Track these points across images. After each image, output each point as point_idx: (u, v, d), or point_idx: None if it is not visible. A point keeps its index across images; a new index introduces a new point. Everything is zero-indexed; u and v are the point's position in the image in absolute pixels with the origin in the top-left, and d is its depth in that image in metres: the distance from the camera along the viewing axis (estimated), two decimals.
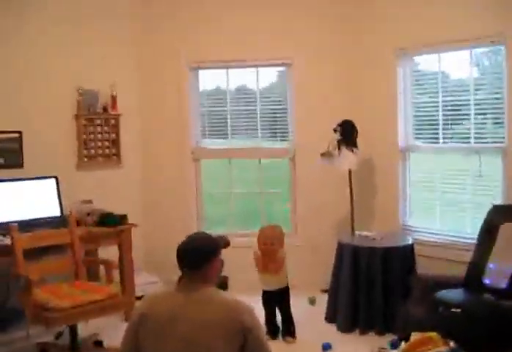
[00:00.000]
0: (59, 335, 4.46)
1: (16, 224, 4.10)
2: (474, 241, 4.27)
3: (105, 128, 5.46)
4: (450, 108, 5.00)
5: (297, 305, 4.95)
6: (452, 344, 2.86)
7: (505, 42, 4.44)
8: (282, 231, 4.63)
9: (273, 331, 4.51)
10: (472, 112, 4.81)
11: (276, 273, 4.48)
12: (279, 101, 5.92)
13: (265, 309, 4.58)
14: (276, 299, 4.54)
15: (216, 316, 2.45)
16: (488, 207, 4.33)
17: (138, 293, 5.04)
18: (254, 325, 2.49)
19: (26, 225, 4.39)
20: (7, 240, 4.13)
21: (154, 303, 2.61)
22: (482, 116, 4.86)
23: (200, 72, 5.86)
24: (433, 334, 2.95)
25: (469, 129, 4.87)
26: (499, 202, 4.54)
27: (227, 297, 2.61)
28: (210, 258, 2.63)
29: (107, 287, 4.18)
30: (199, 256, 2.60)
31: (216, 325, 2.43)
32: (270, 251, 4.46)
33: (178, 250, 2.63)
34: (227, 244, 2.87)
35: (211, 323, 2.44)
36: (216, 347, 2.41)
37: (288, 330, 4.52)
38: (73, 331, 4.11)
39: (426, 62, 5.27)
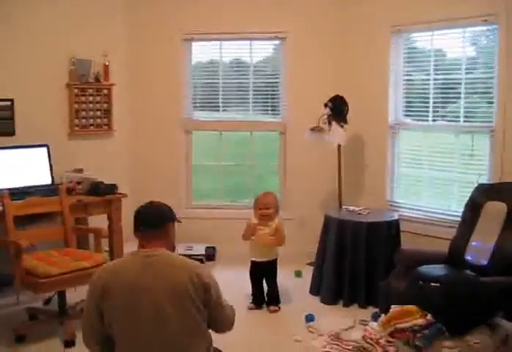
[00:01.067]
0: (47, 301, 4.54)
1: (7, 191, 4.15)
2: (459, 219, 4.35)
3: (98, 98, 5.47)
4: (441, 86, 5.04)
5: (283, 277, 5.05)
6: (429, 317, 2.95)
7: (498, 21, 4.47)
8: (276, 197, 4.69)
9: (258, 302, 4.60)
10: (463, 91, 4.85)
11: (276, 244, 4.55)
12: (272, 75, 5.93)
13: (252, 281, 4.65)
14: (264, 271, 4.61)
15: (177, 278, 2.44)
16: (474, 186, 4.41)
17: None
18: (213, 283, 2.51)
19: (17, 193, 4.42)
20: None
21: (112, 275, 2.51)
22: (473, 96, 4.90)
23: (193, 44, 5.85)
24: (412, 307, 3.04)
25: (458, 108, 4.92)
26: (485, 180, 4.62)
27: (183, 258, 2.60)
28: (169, 220, 2.67)
29: (96, 254, 4.22)
30: (160, 215, 2.65)
31: (179, 287, 2.42)
32: (266, 215, 4.52)
33: (138, 211, 2.65)
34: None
35: (174, 286, 2.42)
36: (184, 309, 2.42)
37: (273, 300, 4.60)
38: (62, 297, 4.18)
39: (419, 40, 5.29)
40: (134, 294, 2.41)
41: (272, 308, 4.54)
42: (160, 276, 2.44)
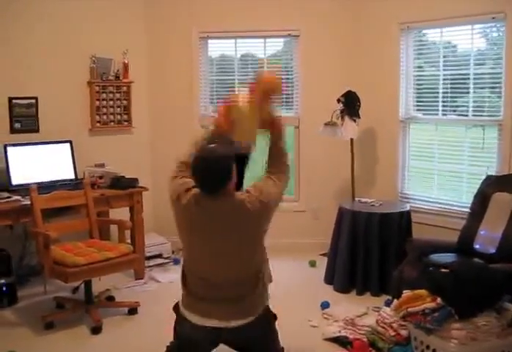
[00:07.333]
0: (75, 290, 4.72)
1: (35, 185, 4.31)
2: (468, 210, 4.47)
3: (117, 95, 5.62)
4: (450, 81, 5.15)
5: (298, 267, 5.21)
6: (439, 300, 3.09)
7: (506, 18, 4.58)
8: None
9: None
10: (472, 86, 4.98)
11: None
12: (286, 71, 6.05)
13: None
14: None
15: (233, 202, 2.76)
16: (483, 178, 4.54)
17: (147, 253, 5.32)
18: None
19: (43, 187, 4.57)
20: (26, 201, 4.34)
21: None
22: (481, 90, 5.01)
23: (209, 41, 5.99)
24: (423, 291, 3.18)
25: (467, 102, 5.04)
26: (493, 172, 4.74)
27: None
28: (230, 177, 2.77)
29: (120, 245, 4.38)
30: (220, 180, 2.74)
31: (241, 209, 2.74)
32: None
33: (198, 171, 2.77)
34: (244, 149, 3.10)
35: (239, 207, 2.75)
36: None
37: None
38: (88, 286, 4.34)
39: (428, 36, 5.41)
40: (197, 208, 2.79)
41: None
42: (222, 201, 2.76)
